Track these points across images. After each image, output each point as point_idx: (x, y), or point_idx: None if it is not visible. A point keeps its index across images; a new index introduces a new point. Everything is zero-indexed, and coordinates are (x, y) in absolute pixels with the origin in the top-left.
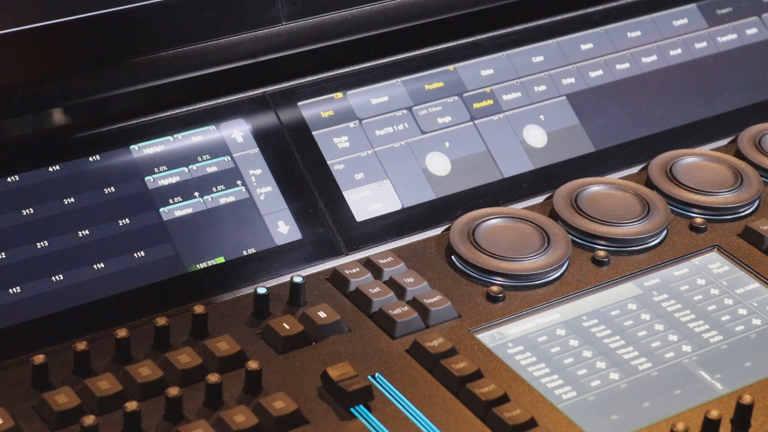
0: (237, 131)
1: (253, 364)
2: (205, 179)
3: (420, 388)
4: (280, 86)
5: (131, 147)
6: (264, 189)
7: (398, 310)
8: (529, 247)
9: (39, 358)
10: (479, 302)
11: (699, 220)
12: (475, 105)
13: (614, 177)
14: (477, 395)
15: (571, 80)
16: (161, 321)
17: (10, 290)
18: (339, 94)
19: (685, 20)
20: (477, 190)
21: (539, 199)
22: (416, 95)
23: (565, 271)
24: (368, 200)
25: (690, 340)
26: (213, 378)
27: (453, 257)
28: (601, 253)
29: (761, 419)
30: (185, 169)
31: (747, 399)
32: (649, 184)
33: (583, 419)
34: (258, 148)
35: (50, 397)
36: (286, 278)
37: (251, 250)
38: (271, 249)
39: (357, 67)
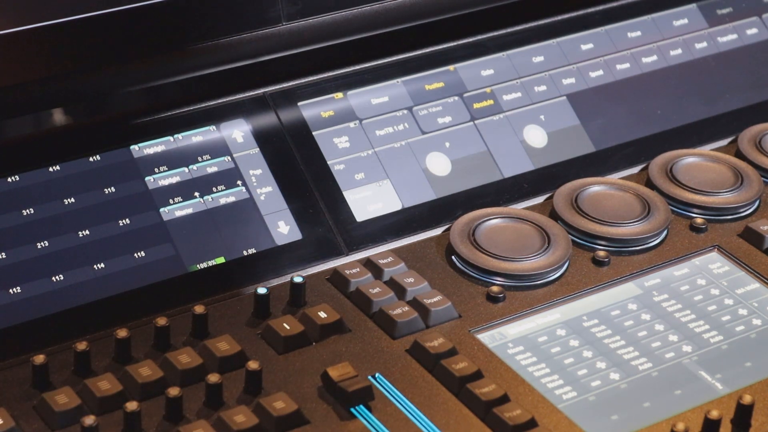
0: (237, 131)
1: (253, 364)
2: (205, 179)
3: (420, 388)
4: (280, 86)
5: (131, 147)
6: (264, 189)
7: (398, 310)
8: (530, 247)
9: (39, 358)
10: (479, 302)
11: (699, 220)
12: (476, 105)
13: (614, 177)
14: (477, 395)
15: (572, 80)
16: (161, 321)
17: (10, 290)
18: (339, 94)
19: (686, 20)
20: (477, 190)
21: (539, 199)
22: (416, 95)
23: (565, 271)
24: (368, 200)
25: (690, 340)
26: (213, 378)
27: (453, 257)
28: (602, 253)
29: (761, 419)
30: (185, 169)
31: (747, 399)
32: (650, 184)
33: (583, 419)
34: (258, 148)
35: (50, 397)
36: (286, 278)
37: (251, 250)
38: (272, 249)
39: (357, 67)
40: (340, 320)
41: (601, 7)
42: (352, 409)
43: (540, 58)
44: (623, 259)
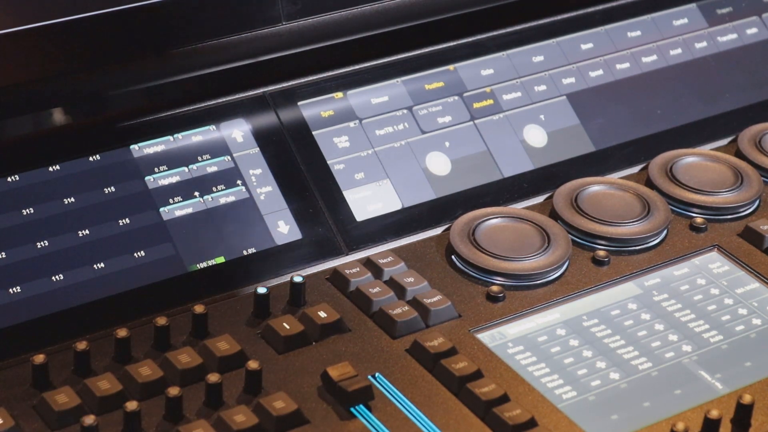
0: (237, 131)
1: (253, 364)
2: (205, 179)
3: (420, 388)
4: (280, 86)
5: (131, 147)
6: (264, 189)
7: (398, 310)
8: (529, 246)
9: (39, 358)
10: (479, 302)
11: (699, 219)
12: (475, 105)
13: (614, 177)
14: (477, 395)
15: (571, 80)
16: (161, 321)
17: (10, 290)
18: (339, 94)
19: (685, 20)
20: (477, 190)
21: (539, 199)
22: (416, 95)
23: (565, 270)
24: (368, 200)
25: (690, 340)
26: (213, 378)
27: (453, 257)
28: (601, 253)
29: (761, 419)
30: (185, 168)
31: (747, 399)
32: (650, 183)
33: (583, 419)
34: (258, 148)
35: (50, 397)
36: (286, 278)
37: (251, 250)
38: (271, 249)
39: (357, 67)
40: (339, 320)
41: (601, 7)
42: (352, 409)
43: (540, 58)
44: (623, 258)
